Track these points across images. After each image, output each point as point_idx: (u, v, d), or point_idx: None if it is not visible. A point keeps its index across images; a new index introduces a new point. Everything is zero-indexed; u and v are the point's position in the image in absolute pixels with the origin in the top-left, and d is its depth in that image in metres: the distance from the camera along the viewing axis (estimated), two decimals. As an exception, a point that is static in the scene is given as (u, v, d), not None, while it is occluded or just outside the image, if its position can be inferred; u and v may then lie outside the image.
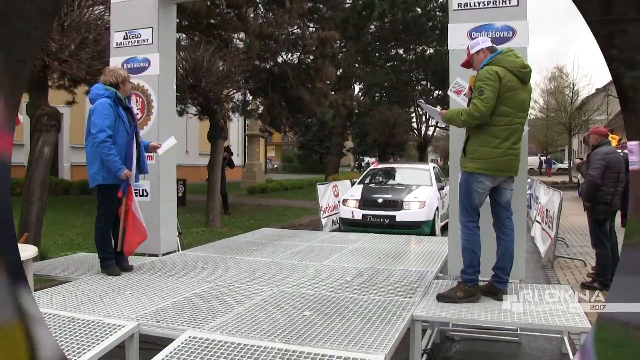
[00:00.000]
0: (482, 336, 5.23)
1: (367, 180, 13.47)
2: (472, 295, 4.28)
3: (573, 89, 32.01)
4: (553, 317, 3.81)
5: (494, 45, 4.56)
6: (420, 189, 11.82)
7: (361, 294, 4.46)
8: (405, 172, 13.59)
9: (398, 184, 12.60)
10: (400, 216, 11.03)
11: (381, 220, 11.07)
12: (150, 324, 3.72)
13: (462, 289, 4.33)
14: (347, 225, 11.42)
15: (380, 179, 13.66)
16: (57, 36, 7.44)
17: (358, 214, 11.35)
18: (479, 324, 4.28)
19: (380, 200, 11.45)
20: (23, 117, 6.04)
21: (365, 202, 11.57)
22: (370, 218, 11.17)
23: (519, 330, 5.09)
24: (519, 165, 4.50)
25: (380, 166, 14.87)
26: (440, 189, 12.25)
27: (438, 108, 4.93)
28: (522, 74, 4.34)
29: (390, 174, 13.84)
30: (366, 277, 5.12)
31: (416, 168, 14.05)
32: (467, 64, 4.67)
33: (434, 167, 13.53)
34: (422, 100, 5.94)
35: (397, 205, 11.22)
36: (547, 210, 10.17)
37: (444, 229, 11.29)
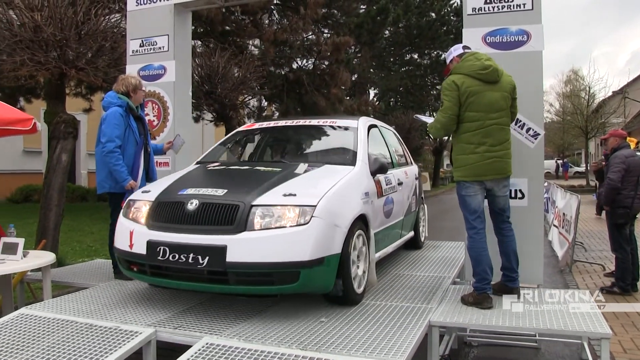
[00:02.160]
0: (500, 341, 5.18)
1: (213, 156, 5.79)
2: (479, 303, 4.25)
3: (589, 91, 31.80)
4: (572, 322, 3.77)
5: (467, 51, 4.56)
6: (318, 174, 4.66)
7: (378, 299, 4.44)
8: (304, 136, 6.07)
9: (273, 162, 5.59)
10: (239, 250, 3.76)
11: (189, 260, 3.83)
12: (168, 331, 3.72)
13: (472, 295, 4.34)
14: (126, 269, 4.41)
15: (243, 150, 6.25)
16: (74, 44, 7.54)
17: (140, 242, 4.13)
18: (497, 329, 4.23)
19: (191, 205, 4.02)
20: (41, 125, 6.09)
21: (160, 209, 4.25)
22: (164, 253, 3.94)
23: (537, 335, 5.03)
24: (506, 166, 4.45)
25: (256, 125, 6.43)
26: (380, 171, 5.05)
27: (430, 119, 4.98)
28: (484, 75, 4.32)
29: (270, 139, 6.28)
30: (383, 282, 5.09)
31: (330, 126, 5.92)
32: (448, 72, 4.69)
33: (371, 126, 5.91)
34: (417, 115, 5.91)
35: (233, 217, 3.89)
36: (564, 214, 10.08)
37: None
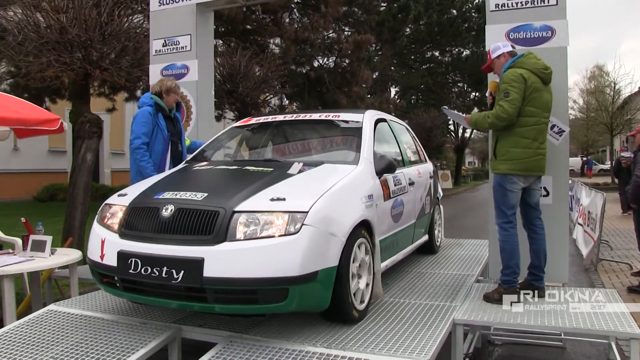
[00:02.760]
0: (524, 340, 5.13)
1: (203, 154, 5.31)
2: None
3: (614, 88, 31.34)
4: (599, 321, 3.72)
5: (514, 49, 4.60)
6: (313, 174, 4.15)
7: (402, 297, 4.43)
8: (304, 132, 5.46)
9: (265, 161, 4.81)
10: (218, 264, 3.29)
11: (162, 274, 3.35)
12: (192, 328, 3.76)
13: (498, 291, 4.32)
14: (99, 282, 3.91)
15: (237, 147, 5.68)
16: (98, 45, 7.63)
17: (111, 253, 3.64)
18: (521, 327, 4.19)
19: (166, 211, 3.55)
20: (67, 125, 6.19)
21: (133, 215, 3.77)
22: (135, 266, 3.46)
23: (562, 334, 4.98)
24: (545, 165, 4.52)
25: (253, 120, 5.75)
26: (387, 170, 4.58)
27: (462, 113, 4.91)
28: (545, 75, 4.40)
29: (266, 135, 5.66)
30: (406, 280, 5.08)
31: (332, 120, 5.31)
32: (488, 68, 4.73)
33: (379, 121, 5.41)
34: (445, 107, 5.66)
35: (212, 225, 3.41)
36: (589, 212, 9.95)
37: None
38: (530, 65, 4.37)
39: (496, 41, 4.90)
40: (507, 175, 4.38)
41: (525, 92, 4.29)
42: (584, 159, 50.60)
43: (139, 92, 15.66)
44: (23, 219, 5.34)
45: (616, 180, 25.36)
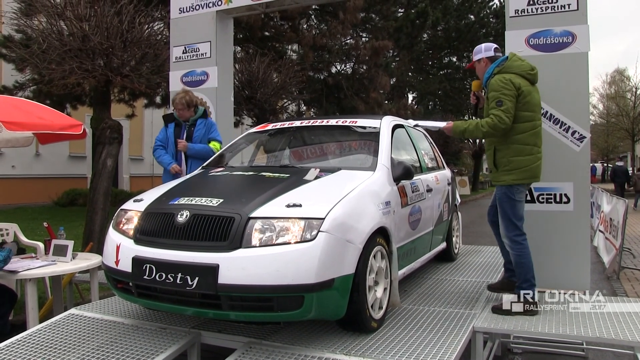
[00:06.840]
0: (545, 349, 5.07)
1: (220, 159, 5.30)
2: (532, 311, 4.16)
3: (636, 92, 31.03)
4: (624, 331, 3.67)
5: (498, 54, 4.49)
6: (330, 180, 4.10)
7: (421, 304, 4.41)
8: (321, 137, 5.44)
9: (281, 167, 4.89)
10: (233, 271, 3.24)
11: (177, 280, 3.32)
12: (212, 334, 3.77)
13: (522, 304, 4.19)
14: (114, 287, 3.90)
15: (253, 153, 5.77)
16: (119, 52, 7.73)
17: (126, 258, 3.62)
18: (542, 336, 4.15)
19: (181, 217, 3.53)
20: (88, 130, 6.28)
21: (148, 221, 3.75)
22: (150, 272, 3.44)
23: (584, 344, 4.92)
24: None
25: (270, 126, 5.68)
26: (404, 176, 4.49)
27: (442, 124, 4.67)
28: (532, 76, 4.34)
29: (283, 140, 5.55)
30: (425, 287, 5.06)
31: (349, 126, 5.21)
32: (472, 68, 4.68)
33: (397, 126, 5.28)
34: (417, 123, 5.12)
35: (227, 231, 3.38)
36: (611, 219, 9.83)
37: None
38: (516, 68, 4.29)
39: (516, 47, 4.90)
40: (514, 186, 4.28)
41: (518, 98, 4.20)
42: (605, 165, 50.07)
43: (158, 99, 15.79)
44: (45, 224, 5.41)
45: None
